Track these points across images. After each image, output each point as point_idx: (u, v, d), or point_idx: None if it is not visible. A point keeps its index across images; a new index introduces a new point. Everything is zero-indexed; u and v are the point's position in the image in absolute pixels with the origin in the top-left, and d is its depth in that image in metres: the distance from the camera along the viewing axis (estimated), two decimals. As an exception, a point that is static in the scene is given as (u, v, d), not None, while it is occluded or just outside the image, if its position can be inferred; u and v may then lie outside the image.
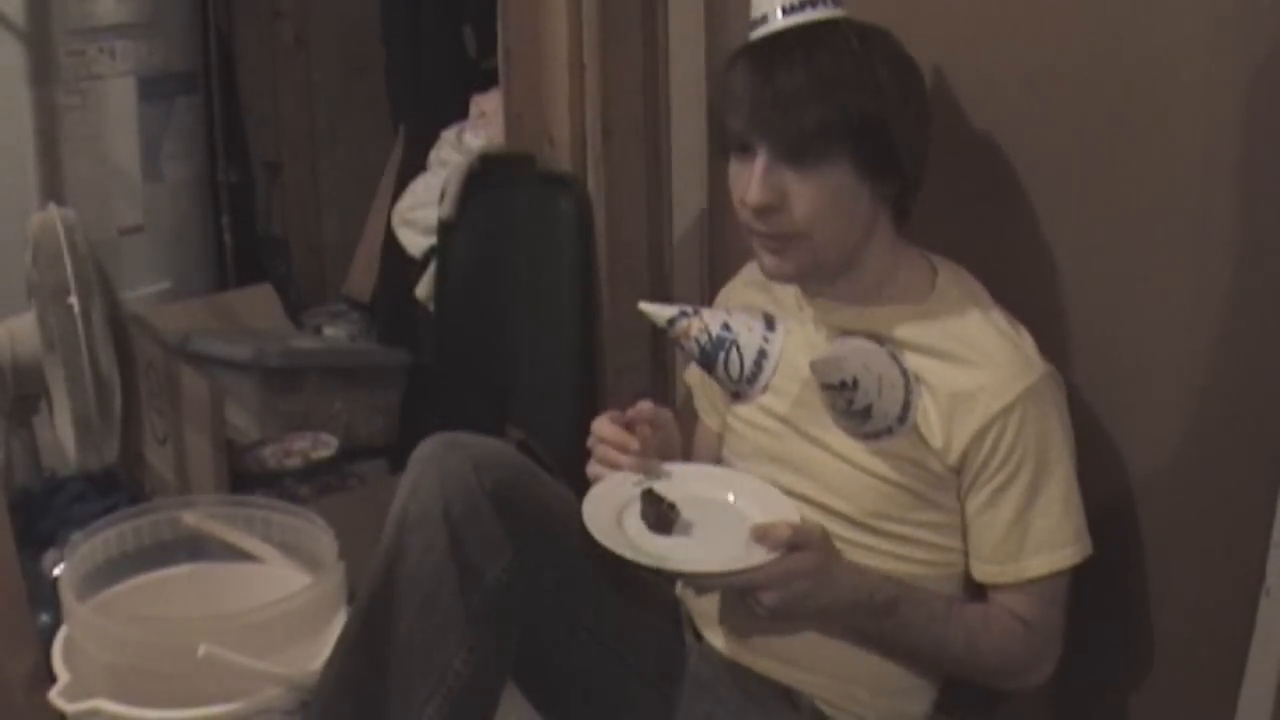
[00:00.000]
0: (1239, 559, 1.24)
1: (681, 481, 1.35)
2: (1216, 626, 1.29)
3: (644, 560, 1.22)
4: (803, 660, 1.35)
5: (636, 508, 1.30)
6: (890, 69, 1.27)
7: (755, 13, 1.30)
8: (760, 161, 1.26)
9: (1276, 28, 1.15)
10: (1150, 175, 1.30)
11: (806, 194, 1.26)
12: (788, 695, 1.36)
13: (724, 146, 1.32)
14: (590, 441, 1.37)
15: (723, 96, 1.30)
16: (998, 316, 1.32)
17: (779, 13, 1.27)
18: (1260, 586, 1.21)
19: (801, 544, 1.21)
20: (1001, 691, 1.38)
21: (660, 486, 1.32)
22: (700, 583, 1.32)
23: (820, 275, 1.34)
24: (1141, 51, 1.28)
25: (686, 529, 1.29)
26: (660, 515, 1.28)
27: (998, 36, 1.44)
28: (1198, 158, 1.25)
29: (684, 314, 1.41)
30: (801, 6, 1.27)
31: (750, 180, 1.27)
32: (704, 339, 1.39)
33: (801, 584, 1.21)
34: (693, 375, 1.57)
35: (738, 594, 1.26)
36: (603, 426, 1.35)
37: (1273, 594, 1.20)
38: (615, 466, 1.34)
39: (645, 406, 1.35)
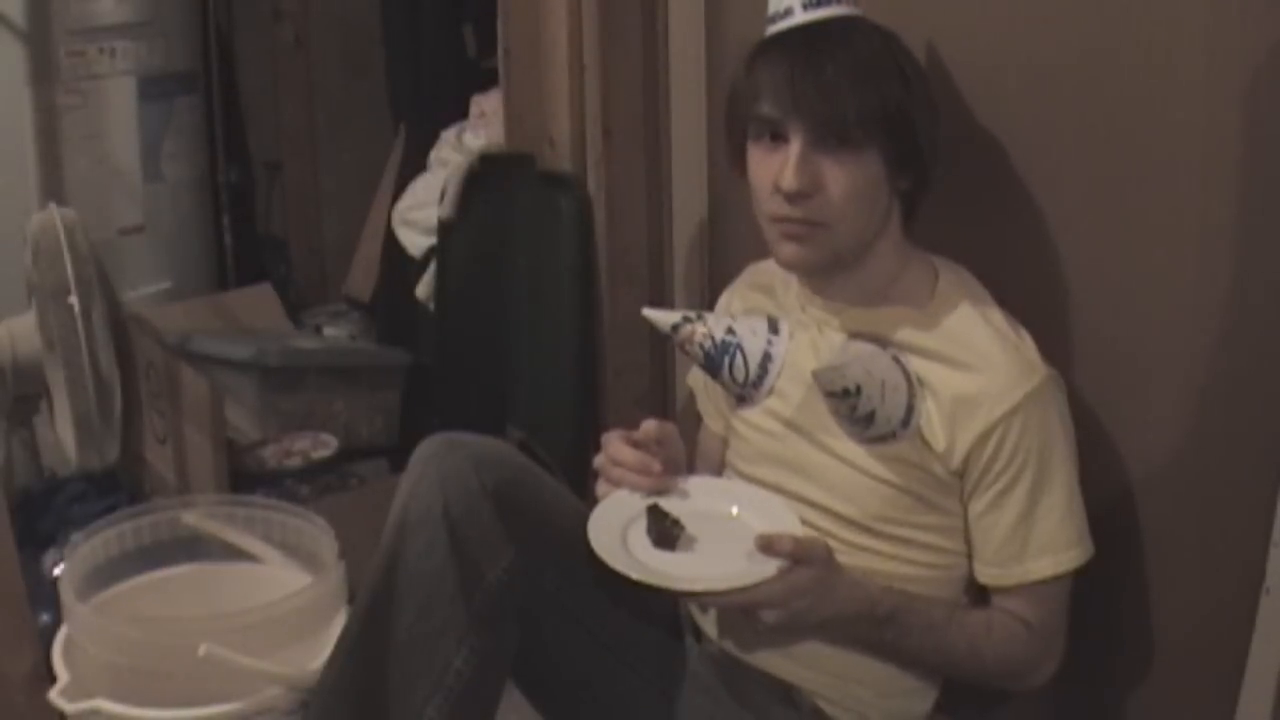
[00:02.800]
0: (1239, 559, 1.24)
1: (687, 495, 1.35)
2: (1216, 626, 1.29)
3: (646, 579, 1.22)
4: (804, 659, 1.35)
5: (642, 523, 1.30)
6: (911, 66, 1.30)
7: (776, 7, 1.31)
8: (796, 147, 1.26)
9: (1277, 28, 1.15)
10: (1150, 175, 1.30)
11: (841, 180, 1.26)
12: (788, 694, 1.36)
13: (741, 135, 1.33)
14: (598, 462, 1.36)
15: (750, 83, 1.30)
16: (999, 319, 1.32)
17: (799, 8, 1.28)
18: (1260, 586, 1.21)
19: (803, 558, 1.21)
20: (1003, 691, 1.38)
21: (666, 501, 1.32)
22: (701, 601, 1.34)
23: (835, 266, 1.33)
24: (1141, 51, 1.28)
25: (690, 544, 1.29)
26: (663, 532, 1.28)
27: (997, 36, 1.44)
28: (1198, 158, 1.25)
29: (687, 319, 1.41)
30: (822, 3, 1.28)
31: (783, 166, 1.27)
32: (708, 344, 1.39)
33: (801, 601, 1.21)
34: (695, 379, 1.57)
35: (739, 611, 1.26)
36: (621, 451, 1.34)
37: (1273, 594, 1.20)
38: (635, 488, 1.33)
39: (651, 426, 1.34)
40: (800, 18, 1.29)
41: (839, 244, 1.30)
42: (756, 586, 1.20)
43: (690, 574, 1.25)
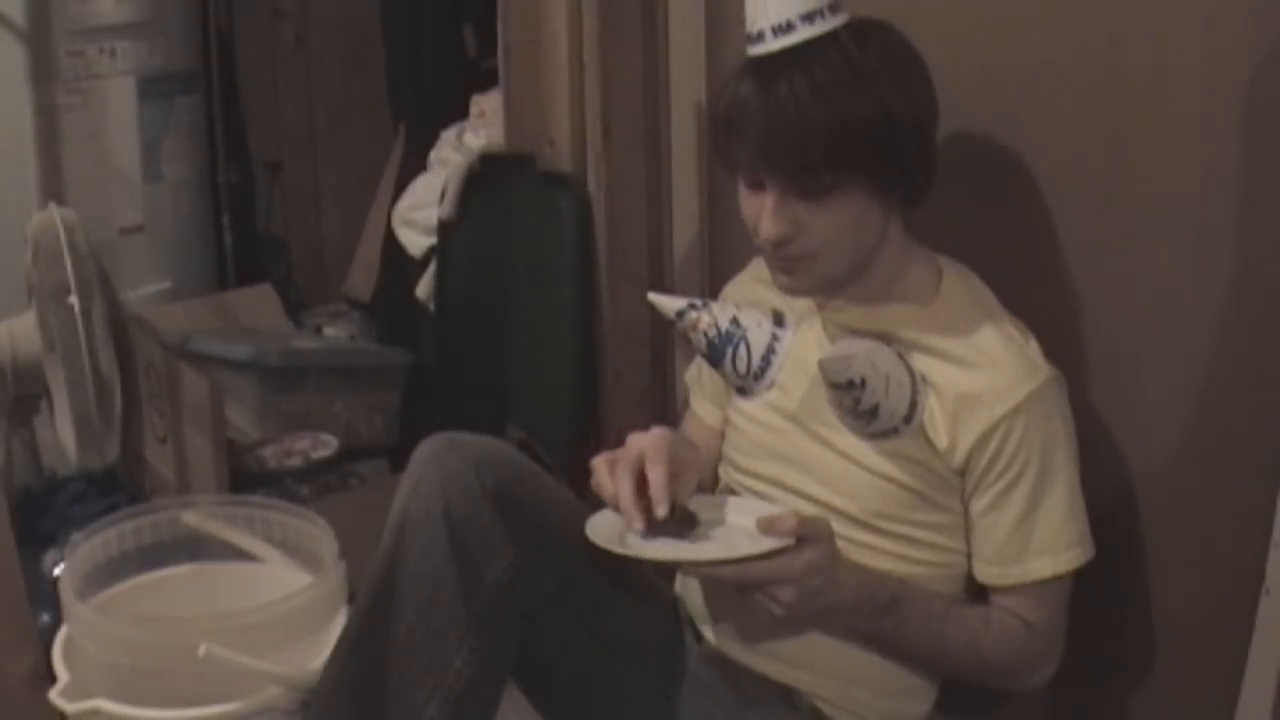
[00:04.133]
0: (1239, 559, 1.24)
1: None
2: (1216, 626, 1.29)
3: (658, 555, 1.21)
4: (803, 660, 1.35)
5: (638, 530, 1.27)
6: (892, 72, 1.24)
7: (750, 27, 1.27)
8: (772, 198, 1.25)
9: (1276, 26, 1.15)
10: (1151, 175, 1.30)
11: (821, 221, 1.25)
12: (787, 695, 1.36)
13: (730, 169, 1.32)
14: (607, 465, 1.30)
15: (726, 123, 1.27)
16: (1002, 319, 1.32)
17: (770, 33, 1.24)
18: (1260, 586, 1.21)
19: (810, 536, 1.20)
20: (1002, 692, 1.38)
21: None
22: (717, 575, 1.25)
23: (833, 286, 1.34)
24: (1142, 51, 1.28)
25: (692, 538, 1.28)
26: (685, 514, 1.27)
27: (999, 36, 1.44)
28: (1198, 157, 1.25)
29: (693, 306, 1.41)
30: (793, 26, 1.23)
31: (762, 212, 1.26)
32: (713, 332, 1.39)
33: (816, 579, 1.20)
34: (690, 376, 1.57)
35: (750, 590, 1.22)
36: (657, 471, 1.25)
37: (1273, 594, 1.20)
38: (616, 501, 1.28)
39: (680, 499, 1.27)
40: (773, 44, 1.24)
41: (830, 271, 1.30)
42: (773, 556, 1.18)
43: (699, 549, 1.24)
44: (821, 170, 1.23)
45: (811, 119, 1.21)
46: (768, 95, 1.23)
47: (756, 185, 1.28)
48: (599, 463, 1.30)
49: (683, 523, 1.27)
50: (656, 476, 1.25)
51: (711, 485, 1.49)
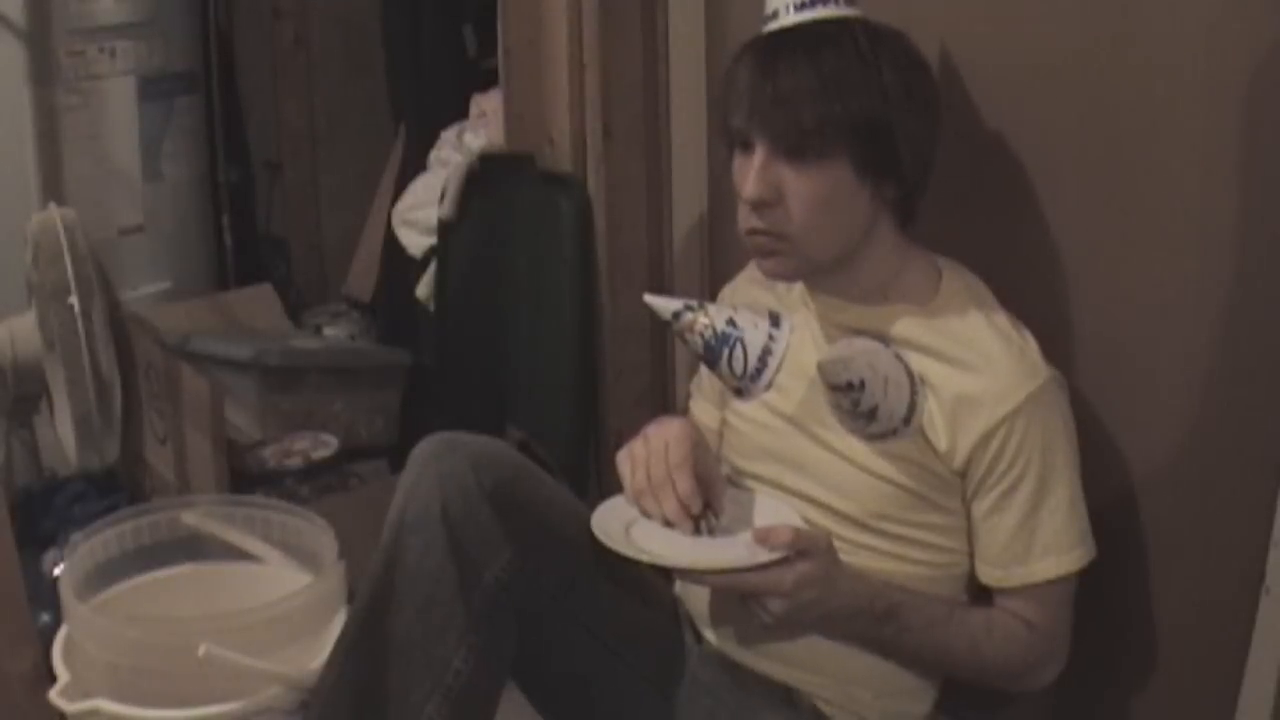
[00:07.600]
0: (1239, 559, 1.24)
1: None
2: (1216, 626, 1.29)
3: (653, 559, 1.22)
4: (803, 660, 1.35)
5: (643, 524, 1.29)
6: (897, 70, 1.26)
7: (768, 8, 1.30)
8: (758, 157, 1.26)
9: (1277, 27, 1.15)
10: (1150, 175, 1.30)
11: (803, 191, 1.26)
12: (788, 695, 1.36)
13: (728, 142, 1.32)
14: (635, 464, 1.30)
15: (726, 92, 1.30)
16: (1002, 320, 1.32)
17: (790, 9, 1.27)
18: (1260, 586, 1.21)
19: (807, 550, 1.21)
20: (1003, 691, 1.38)
21: None
22: (711, 583, 1.29)
23: (819, 274, 1.34)
24: (1142, 51, 1.28)
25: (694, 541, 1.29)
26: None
27: (1000, 36, 1.44)
28: (1198, 158, 1.25)
29: (689, 308, 1.41)
30: (813, 4, 1.27)
31: (748, 174, 1.27)
32: (708, 334, 1.39)
33: (809, 593, 1.21)
34: (694, 381, 1.58)
35: (743, 598, 1.25)
36: (685, 482, 1.27)
37: (1273, 593, 1.20)
38: (658, 508, 1.28)
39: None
40: (787, 20, 1.27)
41: (810, 255, 1.30)
42: (767, 569, 1.20)
43: (696, 555, 1.24)
44: (811, 133, 1.23)
45: (808, 82, 1.23)
46: (772, 61, 1.25)
47: (747, 147, 1.28)
48: (623, 457, 1.32)
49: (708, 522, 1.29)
50: (684, 484, 1.27)
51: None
